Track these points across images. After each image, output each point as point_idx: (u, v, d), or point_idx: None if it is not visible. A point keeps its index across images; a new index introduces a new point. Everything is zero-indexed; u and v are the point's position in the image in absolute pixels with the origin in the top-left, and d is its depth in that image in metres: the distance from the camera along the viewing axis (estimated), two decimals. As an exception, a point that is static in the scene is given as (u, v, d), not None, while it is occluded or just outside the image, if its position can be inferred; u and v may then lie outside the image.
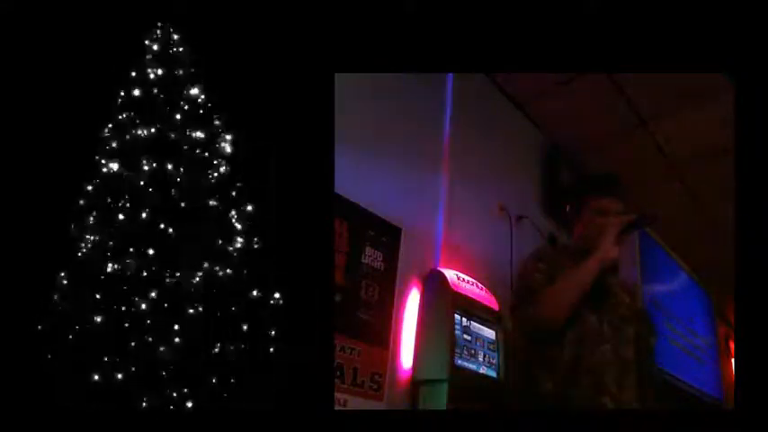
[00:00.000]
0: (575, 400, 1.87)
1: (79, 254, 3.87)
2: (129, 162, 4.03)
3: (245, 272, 4.00)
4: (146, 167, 4.00)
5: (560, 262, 2.06)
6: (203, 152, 4.19)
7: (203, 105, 4.32)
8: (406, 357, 3.02)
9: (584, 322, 1.95)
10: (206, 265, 3.87)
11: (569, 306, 1.91)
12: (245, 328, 3.85)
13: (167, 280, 3.75)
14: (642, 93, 4.03)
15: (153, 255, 3.80)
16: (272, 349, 3.87)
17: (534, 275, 2.03)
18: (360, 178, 2.96)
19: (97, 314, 3.64)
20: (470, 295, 3.24)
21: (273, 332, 3.91)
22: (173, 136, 4.13)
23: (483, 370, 3.17)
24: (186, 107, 4.25)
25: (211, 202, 4.07)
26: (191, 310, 3.71)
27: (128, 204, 3.93)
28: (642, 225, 2.18)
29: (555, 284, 1.95)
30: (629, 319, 2.06)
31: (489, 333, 3.29)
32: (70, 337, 3.64)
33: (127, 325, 3.62)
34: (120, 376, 3.49)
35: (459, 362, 3.02)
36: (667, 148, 4.55)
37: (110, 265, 3.76)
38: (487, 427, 1.83)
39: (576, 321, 1.93)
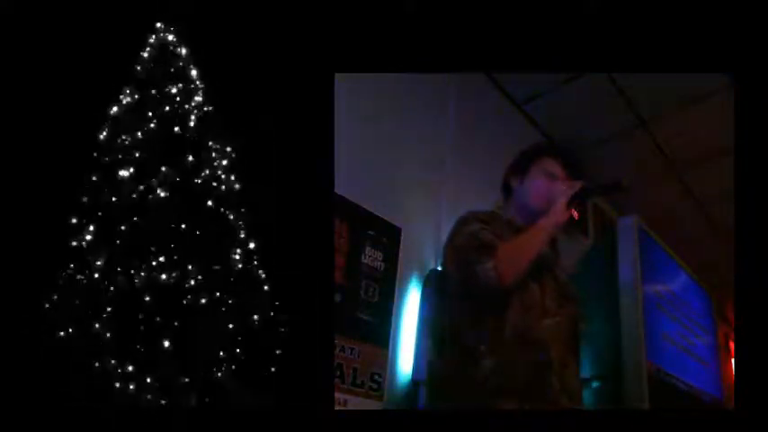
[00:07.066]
0: (518, 377, 1.79)
1: (77, 253, 3.87)
2: (128, 162, 4.04)
3: (244, 272, 4.00)
4: (144, 167, 4.00)
5: (504, 229, 1.97)
6: (203, 152, 4.19)
7: (203, 105, 4.32)
8: (406, 357, 3.02)
9: (528, 290, 1.86)
10: (205, 265, 3.87)
11: (528, 263, 1.81)
12: (244, 327, 3.85)
13: (166, 280, 3.75)
14: (642, 93, 4.03)
15: (152, 255, 3.80)
16: (271, 349, 3.87)
17: (482, 233, 1.88)
18: (360, 178, 2.96)
19: (98, 316, 3.65)
20: (470, 295, 3.23)
21: (273, 332, 3.92)
22: (172, 136, 4.13)
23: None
24: (185, 107, 4.26)
25: (210, 203, 4.07)
26: (189, 311, 3.72)
27: (126, 205, 3.93)
28: (594, 193, 2.12)
29: (510, 241, 1.86)
30: (568, 298, 2.00)
31: (489, 333, 3.27)
32: (71, 338, 3.65)
33: (126, 326, 3.62)
34: (119, 375, 3.49)
35: (459, 362, 3.01)
36: (667, 148, 4.55)
37: (112, 267, 3.77)
38: (488, 427, 1.83)
39: (520, 287, 1.83)
